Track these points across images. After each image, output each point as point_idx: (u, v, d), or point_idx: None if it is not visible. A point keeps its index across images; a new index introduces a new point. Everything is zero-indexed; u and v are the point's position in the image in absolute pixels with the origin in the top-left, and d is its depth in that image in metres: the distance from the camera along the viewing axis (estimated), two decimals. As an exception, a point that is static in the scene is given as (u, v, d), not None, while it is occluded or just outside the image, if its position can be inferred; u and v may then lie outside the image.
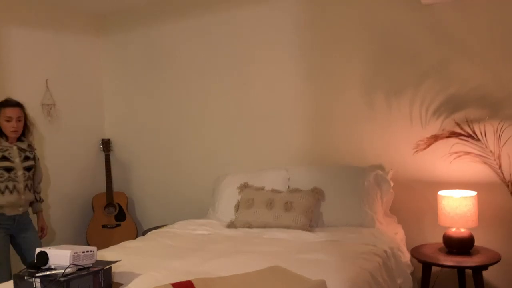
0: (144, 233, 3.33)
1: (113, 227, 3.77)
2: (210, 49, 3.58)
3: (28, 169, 2.82)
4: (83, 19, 4.00)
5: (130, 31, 3.97)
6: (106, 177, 3.91)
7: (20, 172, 2.77)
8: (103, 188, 3.91)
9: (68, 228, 3.81)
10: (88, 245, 3.62)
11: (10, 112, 2.75)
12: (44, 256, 1.81)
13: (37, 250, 1.84)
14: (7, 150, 2.75)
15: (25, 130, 2.87)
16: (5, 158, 2.72)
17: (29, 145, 2.88)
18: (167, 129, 3.83)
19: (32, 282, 1.73)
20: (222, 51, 3.52)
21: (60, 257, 1.80)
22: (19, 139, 2.84)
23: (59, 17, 3.80)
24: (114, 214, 3.81)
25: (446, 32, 2.75)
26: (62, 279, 1.68)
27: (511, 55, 2.59)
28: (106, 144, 4.02)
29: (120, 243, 2.62)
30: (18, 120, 2.78)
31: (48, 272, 1.75)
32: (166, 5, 3.75)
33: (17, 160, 2.77)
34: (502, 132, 2.57)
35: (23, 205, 2.81)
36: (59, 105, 3.74)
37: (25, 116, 2.85)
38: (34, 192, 2.96)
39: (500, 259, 2.42)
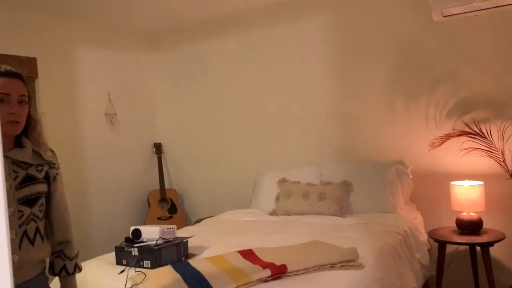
0: (195, 223, 3.86)
1: (166, 219, 4.32)
2: (250, 60, 4.10)
3: (28, 202, 1.53)
4: (139, 38, 4.59)
5: (178, 47, 4.54)
6: (159, 176, 4.48)
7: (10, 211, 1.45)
8: (156, 185, 4.48)
9: (126, 221, 4.38)
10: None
11: (6, 85, 1.51)
12: (138, 232, 2.37)
13: (132, 227, 2.39)
14: None
15: (28, 127, 1.60)
16: None
17: (38, 154, 1.60)
18: (211, 132, 4.38)
19: (131, 251, 2.28)
20: (261, 61, 4.03)
21: (151, 232, 2.35)
22: (17, 143, 1.58)
23: (118, 37, 4.40)
24: (167, 208, 4.38)
25: (456, 44, 3.20)
26: (155, 248, 2.23)
27: (512, 64, 3.03)
28: (158, 147, 4.60)
29: (183, 228, 3.16)
30: (20, 101, 1.53)
31: (142, 244, 2.30)
32: (210, 24, 4.30)
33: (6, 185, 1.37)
34: (505, 131, 3.01)
35: (18, 272, 1.48)
36: (118, 115, 4.33)
37: (29, 102, 1.59)
38: (57, 246, 1.68)
39: (504, 237, 2.85)
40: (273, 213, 3.34)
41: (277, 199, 3.43)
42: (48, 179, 1.64)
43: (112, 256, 2.39)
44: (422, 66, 3.33)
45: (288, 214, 3.26)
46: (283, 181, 3.53)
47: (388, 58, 3.45)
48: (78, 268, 1.72)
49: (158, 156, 4.56)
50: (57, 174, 1.67)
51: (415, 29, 3.34)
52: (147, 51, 4.67)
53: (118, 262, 2.31)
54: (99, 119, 4.18)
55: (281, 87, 3.95)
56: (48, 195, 1.64)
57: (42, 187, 1.60)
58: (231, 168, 4.26)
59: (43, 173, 1.61)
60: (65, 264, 1.68)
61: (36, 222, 1.57)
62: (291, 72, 3.89)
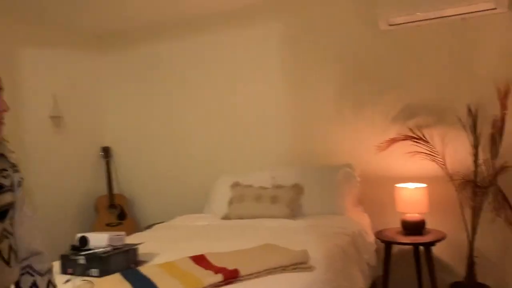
0: (146, 229, 3.78)
1: (115, 225, 4.20)
2: (202, 64, 4.08)
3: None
4: (87, 39, 4.45)
5: (128, 49, 4.44)
6: (108, 181, 4.35)
7: None
8: (105, 191, 4.35)
9: (72, 228, 4.20)
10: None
11: None
12: (85, 239, 2.28)
13: (78, 234, 2.31)
14: None
15: None
16: None
17: (1, 156, 1.34)
18: (162, 136, 4.30)
19: (77, 259, 2.20)
20: (214, 65, 4.02)
21: (98, 239, 2.28)
22: None
23: (65, 38, 4.23)
24: (116, 214, 4.25)
25: (401, 53, 3.35)
26: (103, 255, 2.16)
27: (453, 73, 3.20)
28: (106, 151, 4.46)
29: (133, 234, 3.08)
30: None
31: (90, 251, 2.22)
32: (161, 27, 4.23)
33: None
34: (446, 135, 3.17)
35: None
36: (65, 117, 4.17)
37: None
38: (24, 261, 1.38)
39: (445, 237, 3.01)
40: (226, 217, 3.33)
41: (230, 203, 3.43)
42: (13, 186, 1.34)
43: (57, 265, 2.29)
44: (369, 73, 3.45)
45: (241, 218, 3.25)
46: (236, 185, 3.53)
47: (338, 65, 3.55)
48: (52, 286, 1.41)
49: (106, 161, 4.43)
50: (22, 178, 1.39)
51: (363, 38, 3.45)
52: (96, 52, 4.53)
53: (64, 271, 2.22)
54: (44, 122, 4.00)
55: (233, 92, 3.96)
56: (12, 207, 1.33)
57: (10, 197, 1.31)
58: (183, 172, 4.21)
59: (9, 179, 1.33)
60: (36, 280, 1.37)
61: (8, 238, 1.29)
62: (243, 77, 3.91)
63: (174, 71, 4.21)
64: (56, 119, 4.08)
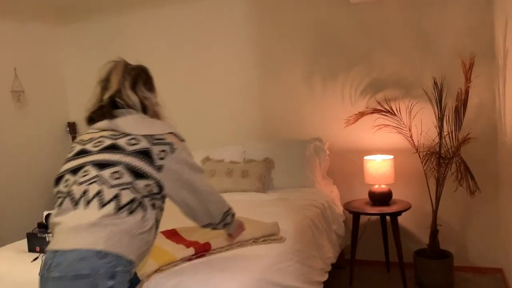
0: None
1: (84, 202, 4.13)
2: (168, 36, 3.98)
3: None
4: (48, 9, 4.25)
5: (91, 19, 4.26)
6: (74, 157, 4.24)
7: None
8: (72, 167, 4.24)
9: (39, 206, 4.12)
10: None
11: None
12: (52, 217, 2.23)
13: (45, 212, 2.26)
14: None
15: None
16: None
17: None
18: (130, 111, 4.21)
19: (45, 237, 2.16)
20: (180, 37, 3.93)
21: (67, 216, 2.23)
22: None
23: (23, 9, 4.03)
24: (84, 191, 4.17)
25: (370, 27, 3.36)
26: (72, 232, 2.12)
27: (419, 47, 3.24)
28: (72, 127, 4.34)
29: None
30: None
31: (58, 229, 2.17)
32: (125, -2, 4.09)
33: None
34: (412, 108, 3.24)
35: None
36: (26, 92, 4.01)
37: None
38: None
39: (410, 207, 3.11)
40: (196, 192, 3.32)
41: (200, 178, 3.41)
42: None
43: (23, 243, 2.25)
44: (338, 47, 3.46)
45: (211, 193, 3.25)
46: (206, 159, 3.52)
47: (307, 38, 3.54)
48: None
49: (72, 137, 4.32)
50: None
51: (333, 11, 3.44)
52: (58, 24, 4.35)
53: (31, 249, 2.18)
54: (4, 97, 3.84)
55: (201, 65, 3.89)
56: None
57: None
58: (152, 147, 4.14)
59: None
60: None
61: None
62: (214, 51, 3.84)
63: (138, 42, 4.09)
64: (18, 94, 3.92)
